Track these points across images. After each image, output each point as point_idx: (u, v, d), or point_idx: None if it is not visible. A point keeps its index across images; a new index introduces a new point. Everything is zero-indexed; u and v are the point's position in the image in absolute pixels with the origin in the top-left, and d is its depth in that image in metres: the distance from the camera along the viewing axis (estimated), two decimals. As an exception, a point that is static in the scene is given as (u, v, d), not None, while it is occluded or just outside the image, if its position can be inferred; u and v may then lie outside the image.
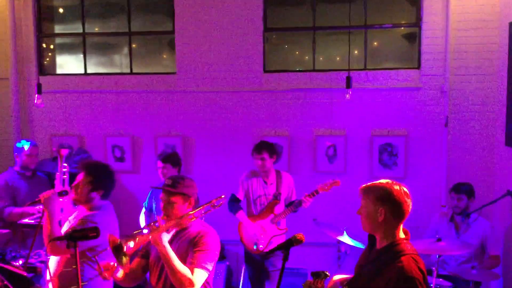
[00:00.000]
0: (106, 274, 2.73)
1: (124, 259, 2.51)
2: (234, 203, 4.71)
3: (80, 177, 3.29)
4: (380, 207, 2.28)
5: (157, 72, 6.16)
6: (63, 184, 3.50)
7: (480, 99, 5.49)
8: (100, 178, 3.30)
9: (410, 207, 2.32)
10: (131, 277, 2.91)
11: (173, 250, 2.71)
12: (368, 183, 2.38)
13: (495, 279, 4.15)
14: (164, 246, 2.65)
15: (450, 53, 5.44)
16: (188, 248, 2.80)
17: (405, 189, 2.32)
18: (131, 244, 2.53)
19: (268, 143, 4.70)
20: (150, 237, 2.66)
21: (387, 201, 2.27)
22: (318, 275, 2.51)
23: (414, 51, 5.72)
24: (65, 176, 3.55)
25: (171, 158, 4.65)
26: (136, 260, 2.97)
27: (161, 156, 4.70)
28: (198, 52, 5.88)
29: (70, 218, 3.41)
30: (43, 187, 4.61)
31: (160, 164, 4.63)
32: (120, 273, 2.83)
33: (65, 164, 3.57)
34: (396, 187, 2.29)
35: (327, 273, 2.55)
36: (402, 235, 2.34)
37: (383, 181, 2.35)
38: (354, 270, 2.52)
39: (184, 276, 2.65)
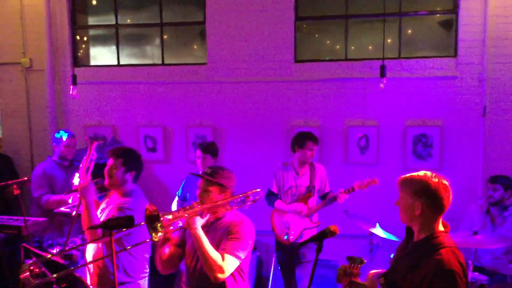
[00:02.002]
0: (157, 237, 2.71)
1: (157, 233, 2.48)
2: (271, 197, 4.70)
3: (110, 162, 3.35)
4: (417, 201, 2.23)
5: (188, 63, 6.18)
6: (87, 172, 3.56)
7: (520, 88, 5.29)
8: (129, 159, 3.37)
9: (450, 200, 2.25)
10: (169, 262, 2.95)
11: (208, 239, 2.73)
12: (407, 175, 2.33)
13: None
14: (196, 229, 2.68)
15: (489, 41, 5.25)
16: (222, 236, 2.82)
17: (445, 182, 2.26)
18: (170, 216, 2.55)
19: (312, 134, 4.61)
20: (186, 215, 2.66)
21: (424, 195, 2.22)
22: (354, 260, 2.49)
23: (450, 38, 5.55)
24: (89, 165, 3.61)
25: (211, 149, 4.66)
26: (172, 248, 3.01)
27: (202, 146, 4.70)
28: (229, 42, 5.86)
29: (102, 206, 3.47)
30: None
31: (199, 153, 4.64)
32: (168, 250, 2.87)
33: (94, 153, 3.63)
34: (435, 180, 2.24)
35: (364, 259, 2.51)
36: (441, 227, 2.29)
37: (421, 173, 2.29)
38: (390, 262, 2.49)
39: (215, 261, 2.67)
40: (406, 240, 2.43)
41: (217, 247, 2.77)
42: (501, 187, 4.46)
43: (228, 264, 2.71)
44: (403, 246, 2.46)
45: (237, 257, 2.76)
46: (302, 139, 4.56)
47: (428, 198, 2.22)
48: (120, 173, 3.32)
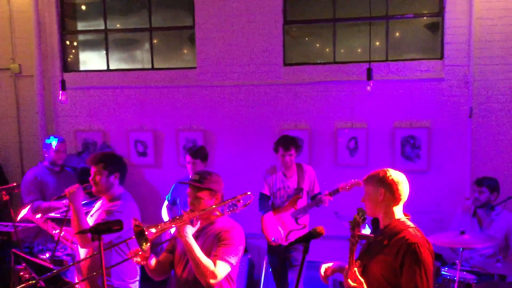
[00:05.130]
0: (138, 259, 2.77)
1: (145, 245, 2.56)
2: (263, 201, 4.73)
3: (93, 169, 3.37)
4: (379, 189, 2.62)
5: (177, 67, 6.21)
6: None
7: (506, 89, 5.36)
8: (110, 162, 3.38)
9: (406, 192, 2.63)
10: (159, 269, 2.96)
11: (199, 245, 2.75)
12: (369, 174, 2.73)
13: (520, 272, 4.08)
14: (187, 238, 2.69)
15: (474, 43, 5.33)
16: (213, 242, 2.84)
17: (398, 177, 2.64)
18: (153, 230, 2.58)
19: (293, 139, 4.66)
20: (174, 228, 2.70)
21: (384, 184, 2.61)
22: (362, 212, 2.63)
23: (436, 41, 5.62)
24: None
25: (200, 153, 4.62)
26: (164, 254, 3.03)
27: (191, 150, 4.65)
28: (218, 46, 5.90)
29: (92, 211, 3.49)
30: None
31: (189, 159, 4.60)
32: (153, 261, 2.89)
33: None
34: (391, 171, 2.66)
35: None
36: (403, 215, 2.65)
37: (380, 170, 2.71)
38: (360, 250, 2.75)
39: (206, 268, 2.69)
40: (374, 230, 2.78)
41: (208, 252, 2.78)
42: (487, 189, 4.47)
43: (220, 270, 2.74)
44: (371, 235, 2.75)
45: (229, 262, 2.78)
46: (276, 145, 4.62)
47: (387, 187, 2.61)
48: (104, 178, 3.33)
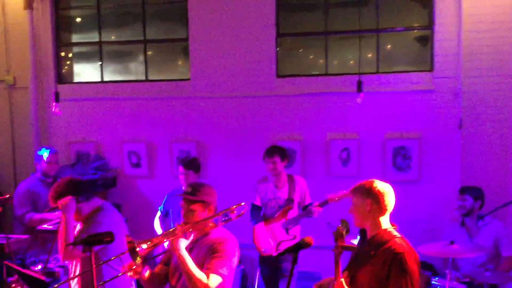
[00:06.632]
0: (131, 273, 2.79)
1: (138, 259, 2.58)
2: (255, 212, 4.77)
3: (60, 205, 3.33)
4: (366, 199, 2.67)
5: (172, 78, 6.26)
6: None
7: (495, 101, 5.44)
8: (67, 188, 3.35)
9: (392, 203, 2.69)
10: (154, 282, 2.97)
11: (192, 256, 2.78)
12: (356, 184, 2.79)
13: (510, 281, 4.12)
14: (180, 251, 2.71)
15: (463, 55, 5.41)
16: (206, 254, 2.86)
17: (384, 188, 2.70)
18: (144, 246, 2.61)
19: (279, 147, 4.75)
20: (167, 242, 2.73)
21: (371, 195, 2.67)
22: (345, 223, 2.68)
23: (426, 53, 5.71)
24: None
25: (193, 164, 4.64)
26: (159, 266, 3.05)
27: (183, 162, 4.67)
28: (212, 58, 5.96)
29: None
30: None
31: (182, 170, 4.61)
32: (147, 273, 2.90)
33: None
34: (378, 182, 2.72)
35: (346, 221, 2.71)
36: (389, 225, 2.70)
37: (367, 180, 2.78)
38: (348, 261, 2.79)
39: (199, 281, 2.71)
40: (362, 240, 2.80)
41: (201, 264, 2.80)
42: (470, 197, 4.56)
43: (213, 283, 2.76)
44: (359, 245, 2.82)
45: (221, 275, 2.80)
46: (264, 154, 4.69)
47: (373, 198, 2.66)
48: (72, 204, 3.30)
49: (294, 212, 4.70)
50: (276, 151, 4.64)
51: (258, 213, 4.77)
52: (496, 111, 5.44)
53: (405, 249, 2.54)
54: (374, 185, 2.69)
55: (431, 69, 5.59)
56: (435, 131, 5.57)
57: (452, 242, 3.96)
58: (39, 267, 4.03)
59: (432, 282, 4.19)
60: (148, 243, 2.64)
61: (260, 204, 4.78)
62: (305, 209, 4.68)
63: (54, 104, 5.24)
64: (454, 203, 5.43)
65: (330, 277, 2.87)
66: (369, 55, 5.81)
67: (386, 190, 2.69)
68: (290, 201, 4.66)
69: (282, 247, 4.58)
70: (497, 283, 4.31)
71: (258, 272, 5.17)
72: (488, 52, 5.40)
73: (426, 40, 5.70)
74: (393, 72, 5.71)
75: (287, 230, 4.65)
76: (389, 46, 5.90)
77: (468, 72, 5.43)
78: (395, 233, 2.66)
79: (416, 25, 5.82)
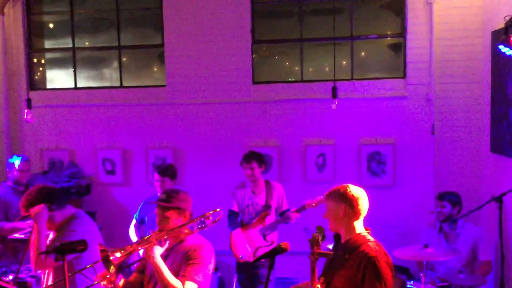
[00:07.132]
0: (104, 282, 2.74)
1: (111, 268, 2.55)
2: (232, 218, 4.75)
3: (32, 213, 3.25)
4: (340, 205, 2.69)
5: (147, 85, 6.22)
6: None
7: (466, 107, 5.58)
8: (39, 196, 3.27)
9: (365, 207, 2.72)
10: None
11: (168, 264, 2.74)
12: (330, 189, 2.81)
13: (483, 283, 4.19)
14: (155, 259, 2.68)
15: (435, 62, 5.54)
16: (181, 261, 2.82)
17: (357, 192, 2.73)
18: (118, 254, 2.57)
19: (256, 153, 4.76)
20: (142, 249, 2.69)
21: (344, 200, 2.69)
22: (320, 229, 2.65)
23: (399, 61, 5.82)
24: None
25: (169, 171, 4.60)
26: (134, 275, 3.00)
27: (159, 169, 4.64)
28: (188, 64, 5.94)
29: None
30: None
31: (157, 177, 4.58)
32: (121, 282, 2.85)
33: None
34: (352, 187, 2.75)
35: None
36: (363, 229, 2.73)
37: (341, 185, 2.79)
38: (324, 266, 2.81)
39: None
40: (336, 245, 2.83)
41: (177, 271, 2.77)
42: (449, 203, 4.58)
43: None
44: (333, 250, 2.81)
45: (197, 282, 2.77)
46: (242, 160, 4.70)
47: (347, 202, 2.69)
48: (44, 213, 3.21)
49: (271, 218, 4.71)
50: (253, 157, 4.65)
51: (235, 219, 4.76)
52: (468, 116, 5.58)
53: (378, 253, 2.56)
54: (348, 189, 2.71)
55: (404, 76, 5.70)
56: (409, 137, 5.68)
57: (426, 246, 4.01)
58: (10, 277, 3.92)
59: (407, 285, 4.23)
60: (122, 251, 2.60)
61: (238, 210, 4.77)
62: (283, 215, 4.70)
63: (26, 111, 5.14)
64: (429, 207, 5.56)
65: (307, 281, 2.88)
66: (344, 62, 5.89)
67: (360, 194, 2.72)
68: (267, 207, 4.67)
69: (260, 253, 4.57)
70: (471, 285, 4.38)
71: (235, 279, 5.14)
72: (460, 59, 5.54)
73: (399, 48, 5.82)
74: (367, 78, 5.80)
75: (264, 236, 4.66)
76: (363, 53, 6.00)
77: (441, 79, 5.56)
78: (369, 237, 2.69)
79: (389, 33, 5.94)
